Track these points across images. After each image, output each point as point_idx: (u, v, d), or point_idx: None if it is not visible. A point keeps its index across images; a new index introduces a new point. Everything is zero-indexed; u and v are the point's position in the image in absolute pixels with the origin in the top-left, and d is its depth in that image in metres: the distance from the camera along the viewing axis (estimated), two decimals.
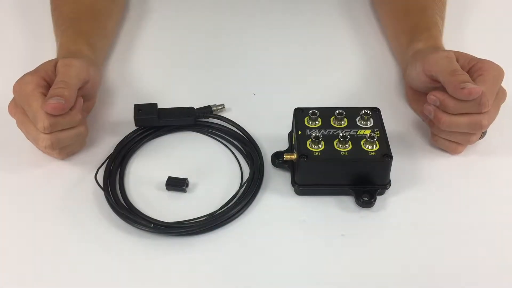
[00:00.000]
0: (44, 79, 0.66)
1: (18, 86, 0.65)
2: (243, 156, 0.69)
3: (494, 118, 0.66)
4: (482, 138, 0.68)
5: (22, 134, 0.66)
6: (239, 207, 0.63)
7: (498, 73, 0.65)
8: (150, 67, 0.82)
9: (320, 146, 0.63)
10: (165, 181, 0.65)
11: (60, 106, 0.62)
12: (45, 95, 0.64)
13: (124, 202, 0.64)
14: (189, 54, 0.84)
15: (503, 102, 0.67)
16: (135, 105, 0.71)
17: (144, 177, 0.67)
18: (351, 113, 0.66)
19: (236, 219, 0.63)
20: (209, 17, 0.91)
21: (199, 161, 0.69)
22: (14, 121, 0.66)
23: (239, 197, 0.64)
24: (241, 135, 0.71)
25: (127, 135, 0.71)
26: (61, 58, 0.69)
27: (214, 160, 0.69)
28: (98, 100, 0.74)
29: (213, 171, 0.68)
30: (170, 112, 0.72)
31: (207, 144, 0.71)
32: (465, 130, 0.66)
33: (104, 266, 0.59)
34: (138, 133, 0.71)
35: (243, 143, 0.70)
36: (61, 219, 0.63)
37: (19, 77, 0.66)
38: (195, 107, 0.73)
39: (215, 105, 0.74)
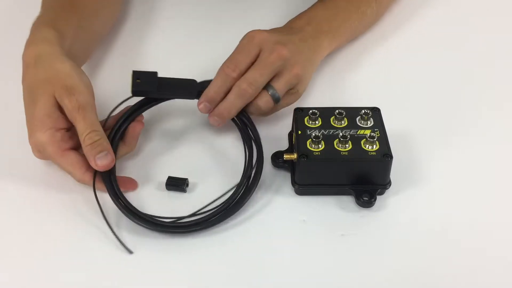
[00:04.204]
0: (58, 128, 0.62)
1: (38, 149, 0.62)
2: (244, 155, 0.69)
3: (256, 78, 0.66)
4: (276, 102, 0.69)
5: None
6: (237, 205, 0.62)
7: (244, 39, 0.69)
8: (148, 61, 0.82)
9: (320, 146, 0.63)
10: (165, 181, 0.65)
11: (110, 161, 0.62)
12: (68, 146, 0.62)
13: (124, 201, 0.64)
14: (190, 49, 0.84)
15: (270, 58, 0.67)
16: (133, 71, 0.67)
17: (144, 177, 0.67)
18: (351, 113, 0.66)
19: (236, 219, 0.63)
20: (213, 5, 0.91)
21: (199, 161, 0.69)
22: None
23: (233, 194, 0.63)
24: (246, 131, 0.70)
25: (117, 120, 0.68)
26: (58, 90, 0.61)
27: (214, 160, 0.69)
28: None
29: (213, 171, 0.68)
30: (171, 82, 0.68)
31: (207, 141, 0.71)
32: (240, 104, 0.67)
33: (103, 265, 0.59)
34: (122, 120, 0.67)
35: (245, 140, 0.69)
36: (60, 217, 0.63)
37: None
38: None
39: None
